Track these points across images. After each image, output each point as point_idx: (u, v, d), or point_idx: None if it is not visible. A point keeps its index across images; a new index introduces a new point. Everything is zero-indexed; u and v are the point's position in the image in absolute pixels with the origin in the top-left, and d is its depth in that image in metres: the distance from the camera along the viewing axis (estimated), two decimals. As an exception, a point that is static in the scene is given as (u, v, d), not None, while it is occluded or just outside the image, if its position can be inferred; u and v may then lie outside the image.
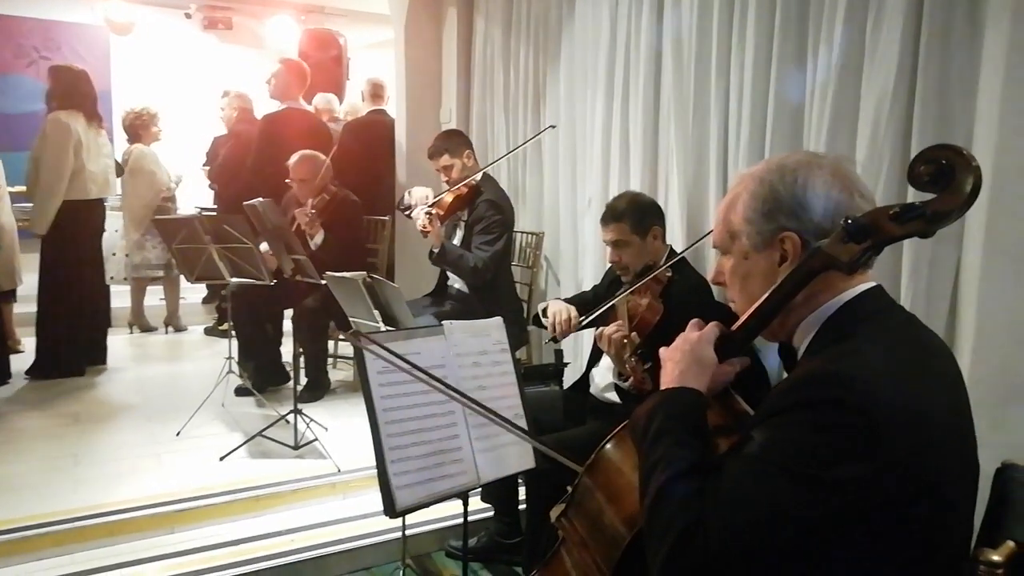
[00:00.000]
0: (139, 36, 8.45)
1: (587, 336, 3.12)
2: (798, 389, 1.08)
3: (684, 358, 1.24)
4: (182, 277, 5.26)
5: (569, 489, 1.39)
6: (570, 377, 3.08)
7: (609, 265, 2.79)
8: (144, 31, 8.47)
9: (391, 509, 1.77)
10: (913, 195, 1.21)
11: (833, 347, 1.11)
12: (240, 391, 4.24)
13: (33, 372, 4.61)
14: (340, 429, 3.71)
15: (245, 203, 3.95)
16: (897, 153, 2.11)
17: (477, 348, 2.06)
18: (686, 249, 2.64)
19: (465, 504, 2.05)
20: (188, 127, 7.30)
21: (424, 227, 3.56)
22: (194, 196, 6.75)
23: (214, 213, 5.57)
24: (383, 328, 2.78)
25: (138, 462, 3.40)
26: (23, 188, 4.79)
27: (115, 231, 5.78)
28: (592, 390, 2.73)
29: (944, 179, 1.06)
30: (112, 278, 5.71)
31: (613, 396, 2.55)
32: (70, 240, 4.61)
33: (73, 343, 4.69)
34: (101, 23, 8.26)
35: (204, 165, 6.06)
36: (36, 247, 4.68)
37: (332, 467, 3.30)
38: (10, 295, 5.01)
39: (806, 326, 1.19)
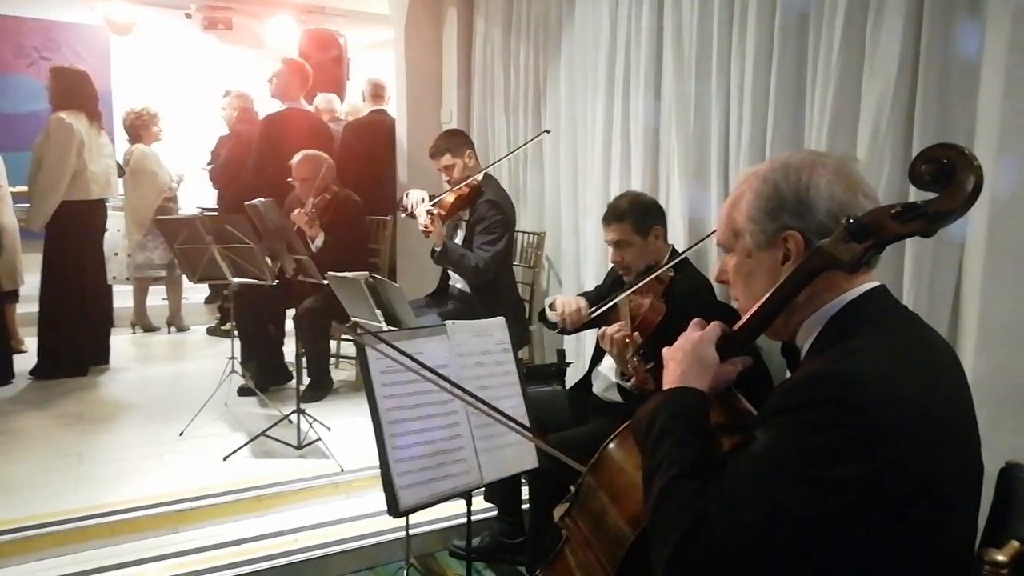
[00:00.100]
0: (139, 36, 8.45)
1: (589, 336, 3.12)
2: (801, 389, 1.08)
3: (686, 358, 1.24)
4: (184, 277, 5.27)
5: (572, 489, 1.40)
6: (572, 377, 3.08)
7: (611, 265, 2.80)
8: (144, 31, 8.47)
9: (394, 509, 1.78)
10: (915, 194, 1.21)
11: (836, 347, 1.11)
12: (243, 391, 4.25)
13: (36, 372, 4.61)
14: (343, 429, 3.71)
15: (247, 203, 3.95)
16: (898, 152, 2.12)
17: (480, 348, 2.07)
18: (688, 249, 2.64)
19: (468, 504, 2.05)
20: (189, 127, 7.30)
21: (426, 227, 3.56)
22: (196, 196, 6.75)
23: (216, 213, 5.57)
24: (386, 328, 2.79)
25: (141, 462, 3.41)
26: (24, 188, 4.80)
27: (117, 231, 5.79)
28: (594, 390, 2.73)
29: (945, 178, 1.06)
30: (115, 278, 5.71)
31: (615, 396, 2.55)
32: (72, 240, 4.62)
33: (76, 343, 4.70)
34: (101, 23, 8.26)
35: (208, 164, 6.06)
36: (38, 247, 4.69)
37: (335, 467, 3.30)
38: (12, 295, 5.02)
39: (809, 325, 1.19)
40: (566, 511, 1.39)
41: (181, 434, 3.70)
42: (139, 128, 5.62)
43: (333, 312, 3.85)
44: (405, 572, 2.50)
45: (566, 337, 3.39)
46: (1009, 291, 1.87)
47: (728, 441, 1.18)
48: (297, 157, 4.33)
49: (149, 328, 6.05)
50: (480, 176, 3.79)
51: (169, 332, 6.07)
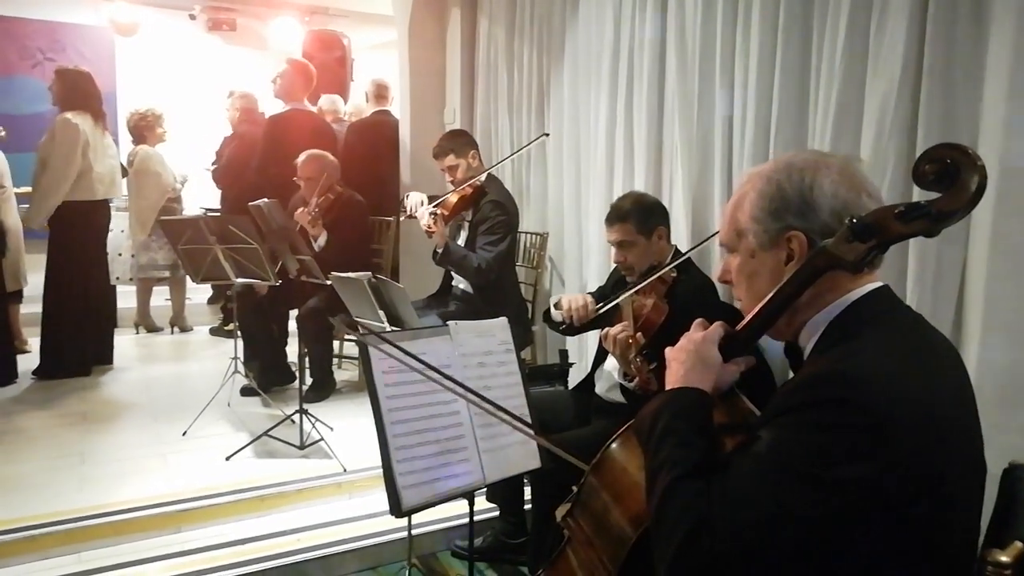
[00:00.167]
0: (143, 37, 8.47)
1: (591, 337, 3.12)
2: (804, 389, 1.08)
3: (689, 358, 1.24)
4: (188, 278, 5.28)
5: (574, 489, 1.40)
6: (575, 377, 3.08)
7: (614, 265, 2.79)
8: (148, 32, 8.49)
9: (397, 509, 1.78)
10: (919, 194, 1.21)
11: (839, 347, 1.11)
12: (246, 391, 4.26)
13: (39, 372, 4.62)
14: (345, 429, 3.72)
15: (250, 204, 3.96)
16: (902, 152, 2.11)
17: (482, 348, 2.07)
18: (691, 249, 2.64)
19: (471, 504, 2.05)
20: (193, 128, 7.32)
21: (428, 227, 3.57)
22: (199, 197, 6.77)
23: (219, 214, 5.58)
24: (388, 328, 2.79)
25: (144, 462, 3.41)
26: (29, 189, 4.81)
27: (121, 232, 5.80)
28: (597, 390, 2.73)
29: (949, 178, 1.06)
30: (118, 278, 5.73)
31: (618, 396, 2.55)
32: (77, 241, 4.64)
33: (79, 343, 4.71)
34: (106, 24, 8.29)
35: (212, 164, 6.07)
36: (42, 248, 4.70)
37: (338, 467, 3.30)
38: (16, 295, 5.03)
39: (812, 325, 1.19)
40: (568, 511, 1.39)
41: (184, 434, 3.71)
42: (143, 129, 5.63)
43: (336, 312, 3.85)
44: (407, 572, 2.51)
45: (568, 338, 3.39)
46: (1013, 291, 1.87)
47: (731, 441, 1.18)
48: (302, 157, 4.35)
49: (152, 328, 6.06)
50: (483, 177, 3.79)
51: (172, 332, 6.08)
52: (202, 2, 8.59)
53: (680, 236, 2.93)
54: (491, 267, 3.62)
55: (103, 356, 4.94)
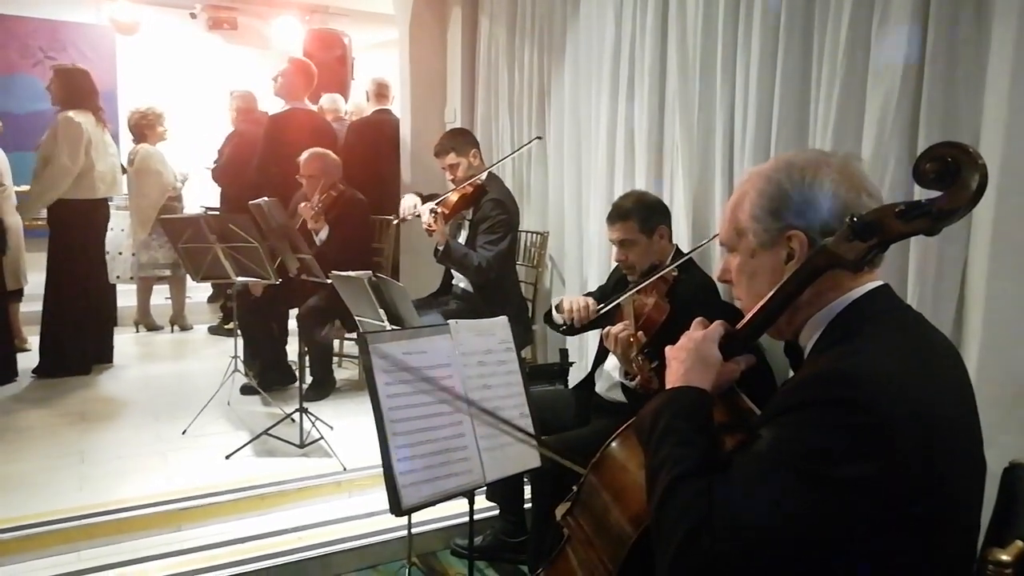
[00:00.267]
0: (144, 36, 8.47)
1: (592, 335, 3.12)
2: (805, 388, 1.08)
3: (689, 357, 1.24)
4: (188, 276, 5.28)
5: (575, 488, 1.39)
6: (575, 377, 3.08)
7: (615, 265, 2.79)
8: (149, 31, 8.49)
9: (397, 507, 1.78)
10: (919, 193, 1.20)
11: (840, 346, 1.11)
12: (246, 390, 4.26)
13: (39, 370, 4.62)
14: (345, 428, 3.72)
15: (250, 202, 3.96)
16: (903, 151, 2.11)
17: (483, 347, 2.06)
18: (693, 250, 2.64)
19: (471, 503, 2.05)
20: (193, 127, 7.32)
21: (429, 225, 3.57)
22: (200, 195, 6.76)
23: (219, 212, 5.58)
24: (388, 327, 2.79)
25: (144, 460, 3.42)
26: (28, 188, 4.81)
27: (121, 230, 5.80)
28: (597, 389, 2.73)
29: (950, 177, 1.06)
30: (118, 277, 5.73)
31: (618, 395, 2.55)
32: (78, 240, 4.64)
33: (79, 342, 4.71)
34: (106, 23, 8.28)
35: (214, 163, 6.07)
36: (43, 247, 4.70)
37: (337, 466, 3.30)
38: (16, 294, 5.03)
39: (812, 324, 1.19)
40: (568, 510, 1.39)
41: (184, 433, 3.71)
42: (144, 128, 5.63)
43: (337, 311, 3.85)
44: (407, 571, 2.51)
45: (569, 337, 3.39)
46: (1014, 290, 1.86)
47: (731, 440, 1.18)
48: (304, 155, 4.37)
49: (152, 327, 6.07)
50: (484, 175, 3.79)
51: (172, 331, 6.08)
52: (203, 1, 8.59)
53: (681, 235, 2.92)
54: (491, 266, 3.62)
55: (103, 355, 4.95)
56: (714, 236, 2.56)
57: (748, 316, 1.24)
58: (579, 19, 3.80)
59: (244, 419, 3.93)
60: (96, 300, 4.86)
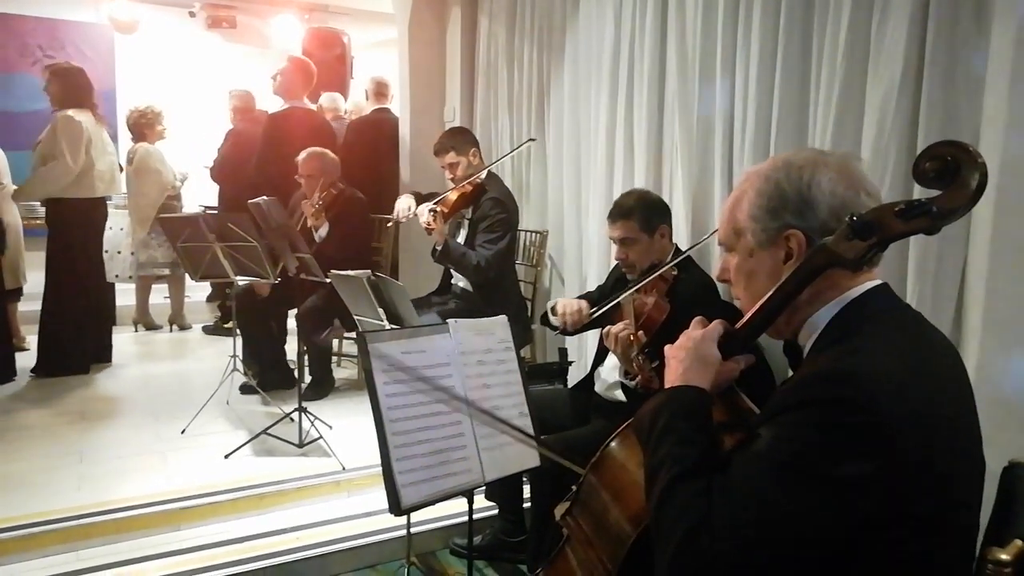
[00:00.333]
0: (143, 35, 8.45)
1: (592, 335, 3.12)
2: (804, 387, 1.08)
3: (688, 356, 1.24)
4: (187, 275, 5.28)
5: (574, 487, 1.39)
6: (574, 376, 3.08)
7: (614, 264, 2.79)
8: (148, 30, 8.47)
9: (396, 507, 1.78)
10: (919, 192, 1.20)
11: (839, 345, 1.11)
12: (245, 389, 4.26)
13: (38, 370, 4.62)
14: (344, 427, 3.72)
15: (249, 201, 3.95)
16: (903, 150, 2.11)
17: (482, 346, 2.06)
18: (692, 247, 2.64)
19: (470, 502, 2.05)
20: (193, 125, 7.31)
21: (428, 224, 3.57)
22: (199, 194, 6.76)
23: (217, 211, 5.57)
24: (388, 326, 2.78)
25: (143, 460, 3.41)
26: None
27: (120, 229, 5.80)
28: (596, 389, 2.73)
29: (949, 175, 1.06)
30: (117, 276, 5.72)
31: (618, 395, 2.55)
32: (77, 239, 4.63)
33: (79, 341, 4.71)
34: (105, 22, 8.27)
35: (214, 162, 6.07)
36: (43, 246, 4.70)
37: (336, 465, 3.30)
38: (15, 293, 5.03)
39: (811, 324, 1.19)
40: (567, 509, 1.39)
41: (183, 432, 3.71)
42: (143, 127, 5.63)
43: (336, 311, 3.85)
44: (406, 570, 2.50)
45: (568, 336, 3.40)
46: (1013, 289, 1.86)
47: (730, 439, 1.17)
48: (303, 154, 4.37)
49: (151, 326, 6.06)
50: (484, 174, 3.79)
51: (171, 330, 6.08)
52: None
53: (680, 235, 2.92)
54: (490, 265, 3.61)
55: (102, 354, 4.94)
56: (712, 232, 2.56)
57: (747, 315, 1.24)
58: (578, 19, 3.79)
59: (243, 418, 3.93)
60: (95, 299, 4.85)
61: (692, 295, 2.40)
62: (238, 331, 4.28)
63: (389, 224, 4.07)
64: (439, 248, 3.60)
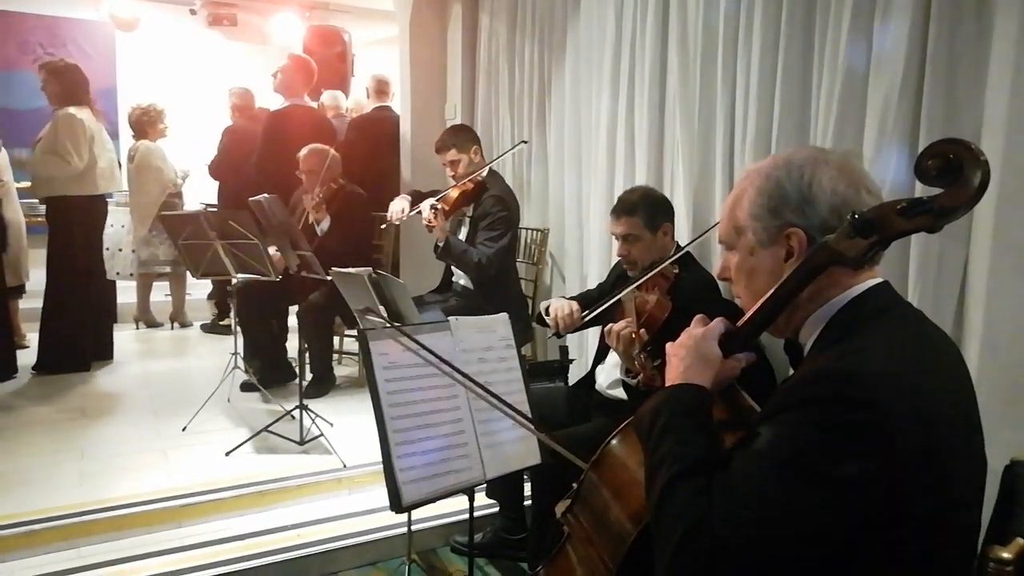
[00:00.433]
0: (144, 32, 8.46)
1: (592, 333, 3.12)
2: (805, 386, 1.08)
3: (689, 354, 1.24)
4: (188, 273, 5.28)
5: (574, 485, 1.39)
6: (575, 374, 3.08)
7: (615, 262, 2.79)
8: (149, 27, 8.47)
9: (397, 504, 1.78)
10: (921, 190, 1.20)
11: (840, 343, 1.11)
12: (246, 387, 4.26)
13: (39, 367, 4.62)
14: (345, 425, 3.72)
15: (250, 199, 3.96)
16: (904, 148, 2.10)
17: (483, 344, 2.06)
18: (691, 242, 2.63)
19: (471, 500, 2.05)
20: (194, 123, 7.31)
21: (429, 221, 3.57)
22: (200, 192, 6.76)
23: (218, 209, 5.57)
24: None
25: (144, 457, 3.42)
26: (28, 184, 4.81)
27: (121, 227, 5.79)
28: (597, 387, 2.73)
29: (952, 174, 1.06)
30: (118, 274, 5.72)
31: (619, 393, 2.55)
32: (79, 236, 4.64)
33: (80, 338, 4.71)
34: (106, 19, 8.27)
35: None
36: (45, 243, 4.70)
37: (337, 463, 3.30)
38: (17, 291, 5.03)
39: (812, 322, 1.18)
40: (568, 507, 1.39)
41: (184, 429, 3.71)
42: (145, 124, 5.63)
43: (337, 308, 3.85)
44: (407, 568, 2.50)
45: (560, 338, 3.40)
46: (1015, 287, 1.86)
47: (731, 438, 1.17)
48: (304, 150, 4.39)
49: (152, 324, 6.07)
50: (485, 172, 3.79)
51: (172, 328, 6.08)
52: (202, -3, 8.59)
53: (681, 233, 2.92)
54: (491, 262, 3.61)
55: (103, 351, 4.95)
56: (713, 226, 2.55)
57: (748, 314, 1.24)
58: (580, 16, 3.79)
59: (244, 416, 3.93)
60: (96, 296, 4.85)
61: (693, 293, 2.39)
62: (239, 329, 4.28)
63: (383, 226, 4.06)
64: (440, 245, 3.60)
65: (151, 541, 2.78)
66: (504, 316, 2.16)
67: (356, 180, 4.59)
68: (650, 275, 2.41)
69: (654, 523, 1.10)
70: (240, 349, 4.17)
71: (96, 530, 2.80)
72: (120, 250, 5.78)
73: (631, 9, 3.32)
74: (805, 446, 1.01)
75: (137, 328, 6.00)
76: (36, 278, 4.94)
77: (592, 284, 3.40)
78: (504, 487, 2.81)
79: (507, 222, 3.68)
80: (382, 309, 2.83)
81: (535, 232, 4.22)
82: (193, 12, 8.65)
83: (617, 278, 2.82)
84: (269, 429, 3.50)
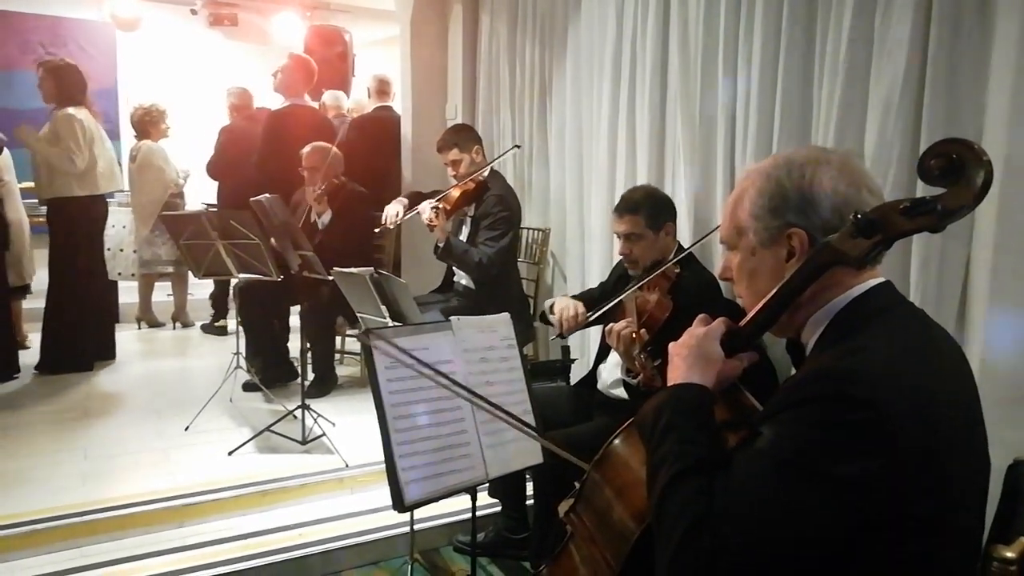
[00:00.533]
0: (145, 32, 8.46)
1: (594, 332, 3.12)
2: (807, 385, 1.07)
3: (691, 353, 1.24)
4: (190, 273, 5.28)
5: (577, 484, 1.39)
6: (577, 373, 3.08)
7: (616, 261, 2.78)
8: (150, 28, 8.48)
9: (399, 504, 1.78)
10: (922, 189, 1.20)
11: (841, 343, 1.11)
12: (248, 386, 4.26)
13: (41, 367, 4.63)
14: (347, 424, 3.72)
15: (252, 199, 3.96)
16: (906, 148, 2.10)
17: (484, 344, 2.06)
18: (694, 244, 2.64)
19: (473, 499, 2.05)
20: (195, 123, 7.31)
21: (430, 221, 3.56)
22: (202, 192, 6.75)
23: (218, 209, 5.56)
24: (390, 324, 2.79)
25: (146, 456, 3.42)
26: (31, 184, 4.81)
27: (123, 227, 5.79)
28: (599, 386, 2.73)
29: (955, 173, 1.06)
30: (120, 274, 5.72)
31: (620, 392, 2.55)
32: (81, 236, 4.64)
33: (82, 338, 4.71)
34: (107, 19, 8.27)
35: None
36: (47, 243, 4.70)
37: (340, 462, 3.31)
38: (21, 291, 5.04)
39: (814, 322, 1.18)
40: (571, 506, 1.39)
41: (186, 429, 3.72)
42: (147, 124, 5.63)
43: (339, 308, 3.86)
44: (410, 567, 2.51)
45: (563, 338, 3.40)
46: (1016, 287, 1.86)
47: (733, 437, 1.17)
48: (307, 148, 4.41)
49: (154, 324, 6.07)
50: (486, 172, 3.79)
51: (174, 328, 6.08)
52: (203, -3, 8.59)
53: (682, 233, 2.92)
54: (492, 262, 3.61)
55: (105, 351, 4.95)
56: (714, 229, 2.56)
57: (751, 314, 1.24)
58: (580, 15, 3.79)
59: (246, 416, 3.93)
60: (97, 296, 4.86)
61: (695, 293, 2.39)
62: (241, 328, 4.28)
63: (377, 230, 4.02)
64: (441, 245, 3.60)
65: (153, 541, 2.79)
66: (506, 316, 2.16)
67: (357, 179, 4.59)
68: (653, 276, 2.41)
69: (655, 522, 1.10)
70: (242, 349, 4.17)
71: (98, 529, 2.80)
72: (121, 250, 5.78)
73: (632, 8, 3.32)
74: (806, 445, 1.01)
75: (139, 328, 6.01)
76: (40, 278, 4.94)
77: (593, 283, 3.40)
78: (506, 486, 2.82)
79: (508, 222, 3.68)
80: (384, 309, 2.83)
81: (536, 232, 4.22)
82: (194, 12, 8.65)
83: (619, 278, 2.82)
84: (271, 429, 3.51)
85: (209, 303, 6.19)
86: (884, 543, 0.99)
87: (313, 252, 3.58)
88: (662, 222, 2.57)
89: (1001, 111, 1.88)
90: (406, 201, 3.96)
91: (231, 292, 5.05)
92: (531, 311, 4.01)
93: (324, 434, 3.49)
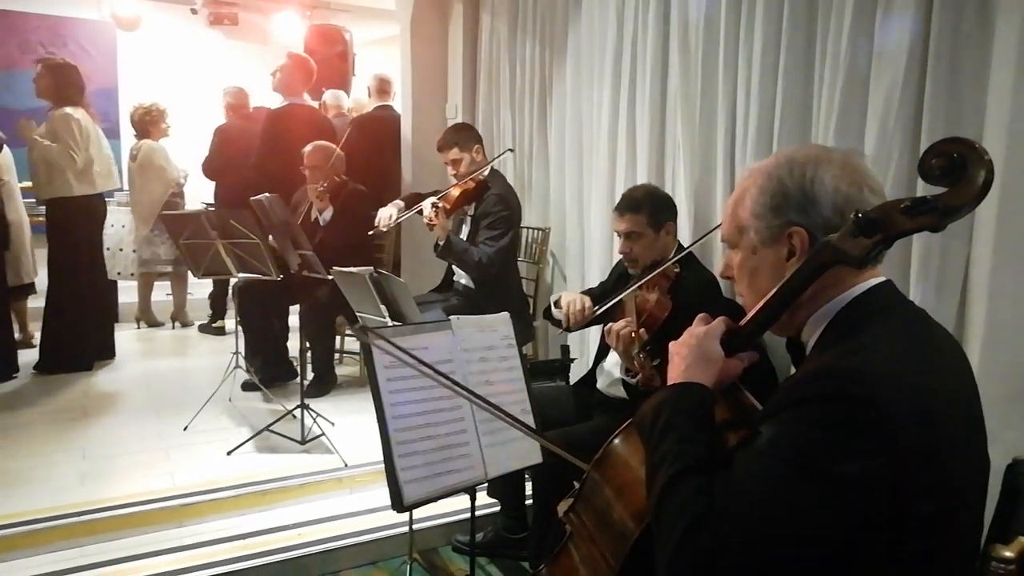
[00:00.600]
0: (145, 32, 8.46)
1: (594, 332, 3.12)
2: (807, 384, 1.07)
3: (691, 353, 1.23)
4: (189, 272, 5.27)
5: (576, 484, 1.39)
6: (576, 373, 3.08)
7: (616, 260, 2.78)
8: (150, 27, 8.48)
9: (398, 503, 1.78)
10: (923, 188, 1.20)
11: (842, 342, 1.10)
12: (247, 386, 4.26)
13: (40, 366, 4.63)
14: (347, 424, 3.72)
15: (251, 199, 3.96)
16: (907, 147, 2.10)
17: (484, 343, 2.06)
18: (694, 243, 2.63)
19: (472, 499, 2.05)
20: (195, 123, 7.31)
21: (430, 220, 3.56)
22: (201, 192, 6.75)
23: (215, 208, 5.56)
24: (390, 323, 2.79)
25: (145, 456, 3.42)
26: (31, 184, 4.80)
27: (122, 227, 5.79)
28: (598, 386, 2.73)
29: (956, 172, 1.05)
30: (119, 273, 5.71)
31: (620, 392, 2.54)
32: (80, 236, 4.64)
33: (81, 338, 4.71)
34: (107, 19, 8.27)
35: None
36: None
37: (339, 462, 3.31)
38: (25, 290, 5.03)
39: (815, 321, 1.18)
40: (570, 506, 1.38)
41: (185, 429, 3.71)
42: (148, 124, 5.62)
43: (339, 307, 3.85)
44: (408, 567, 2.50)
45: (570, 333, 3.40)
46: (1017, 286, 1.86)
47: (733, 436, 1.17)
48: (309, 146, 4.41)
49: (153, 323, 6.06)
50: (486, 171, 3.79)
51: (173, 327, 6.08)
52: (203, -4, 8.59)
53: (683, 232, 2.91)
54: (492, 261, 3.61)
55: (104, 351, 4.95)
56: (714, 228, 2.55)
57: (751, 313, 1.24)
58: (580, 15, 3.79)
59: (245, 415, 3.93)
60: (97, 295, 4.85)
61: (695, 292, 2.39)
62: (240, 328, 4.28)
63: (371, 232, 3.96)
64: (441, 244, 3.60)
65: (152, 540, 2.78)
66: (505, 315, 2.15)
67: (358, 179, 4.59)
68: (653, 275, 2.41)
69: (655, 521, 1.10)
70: (241, 348, 4.17)
71: (97, 529, 2.80)
72: (121, 250, 5.78)
73: (632, 7, 3.32)
74: (806, 444, 1.00)
75: (138, 327, 6.00)
76: (40, 278, 4.94)
77: (593, 283, 3.40)
78: (505, 486, 2.81)
79: (508, 221, 3.68)
80: (383, 308, 2.83)
81: (536, 231, 4.22)
82: (194, 11, 8.65)
83: (619, 277, 2.82)
84: (270, 428, 3.50)
85: (208, 303, 6.19)
86: (884, 542, 0.99)
87: (313, 251, 3.58)
88: (663, 221, 2.57)
89: (1001, 111, 1.87)
90: (402, 204, 3.96)
91: (230, 292, 5.03)
92: (531, 310, 4.01)
93: (323, 434, 3.49)
